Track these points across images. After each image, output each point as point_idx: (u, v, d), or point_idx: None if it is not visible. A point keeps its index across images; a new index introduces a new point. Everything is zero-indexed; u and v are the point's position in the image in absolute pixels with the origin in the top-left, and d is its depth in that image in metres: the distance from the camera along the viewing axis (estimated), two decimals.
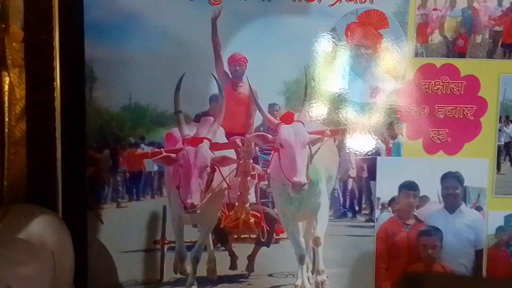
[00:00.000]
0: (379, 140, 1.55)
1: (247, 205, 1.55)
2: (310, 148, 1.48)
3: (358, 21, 1.51)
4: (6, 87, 1.38)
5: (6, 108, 1.38)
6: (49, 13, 1.40)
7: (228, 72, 1.50)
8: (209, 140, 1.46)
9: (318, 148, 1.50)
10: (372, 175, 1.56)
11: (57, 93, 1.41)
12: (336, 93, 1.52)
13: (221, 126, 1.48)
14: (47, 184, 1.42)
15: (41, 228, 1.17)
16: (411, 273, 1.56)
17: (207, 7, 1.46)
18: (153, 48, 1.46)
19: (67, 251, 1.22)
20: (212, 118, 1.48)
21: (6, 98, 1.38)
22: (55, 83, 1.41)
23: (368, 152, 1.55)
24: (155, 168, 1.54)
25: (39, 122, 1.41)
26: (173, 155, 1.45)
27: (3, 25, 1.38)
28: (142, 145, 1.50)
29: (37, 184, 1.41)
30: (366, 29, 1.51)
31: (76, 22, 1.43)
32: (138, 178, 1.53)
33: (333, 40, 1.51)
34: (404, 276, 1.56)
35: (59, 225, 1.23)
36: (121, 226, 1.49)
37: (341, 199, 1.59)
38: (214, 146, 1.47)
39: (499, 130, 1.57)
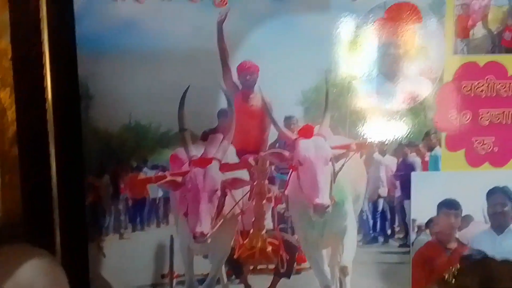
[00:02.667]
0: (414, 153, 1.42)
1: (263, 232, 1.43)
2: (333, 165, 1.36)
3: (386, 16, 1.37)
4: None
5: None
6: (38, 26, 1.28)
7: (238, 82, 1.38)
8: (219, 160, 1.35)
9: (343, 165, 1.37)
10: (406, 194, 1.44)
11: (50, 115, 1.31)
12: (363, 100, 1.39)
13: (231, 144, 1.37)
14: (43, 215, 1.32)
15: (32, 275, 1.08)
16: None
17: (211, 10, 1.33)
18: (153, 60, 1.34)
19: None
20: (221, 136, 1.37)
21: None
22: (46, 104, 1.30)
23: (400, 167, 1.42)
24: (160, 193, 1.43)
25: (32, 147, 1.31)
26: (179, 179, 1.34)
27: None
28: (145, 169, 1.39)
29: (32, 215, 1.32)
30: (396, 25, 1.37)
31: (68, 35, 1.32)
32: (141, 206, 1.43)
33: (357, 39, 1.37)
34: None
35: (53, 268, 1.14)
36: (125, 259, 1.40)
37: (371, 221, 1.47)
38: (225, 167, 1.36)
39: None
